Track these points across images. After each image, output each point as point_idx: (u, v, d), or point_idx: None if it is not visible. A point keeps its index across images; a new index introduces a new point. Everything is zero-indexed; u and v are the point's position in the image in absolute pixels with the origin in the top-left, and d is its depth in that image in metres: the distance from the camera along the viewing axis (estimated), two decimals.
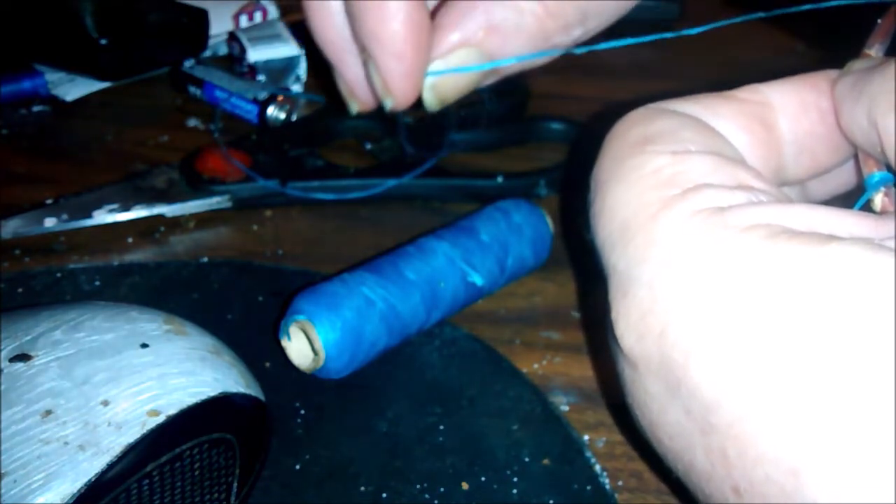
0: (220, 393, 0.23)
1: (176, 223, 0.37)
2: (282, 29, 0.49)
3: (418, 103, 0.29)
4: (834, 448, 0.15)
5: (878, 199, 0.20)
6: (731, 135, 0.22)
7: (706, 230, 0.18)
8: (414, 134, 0.43)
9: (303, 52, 0.48)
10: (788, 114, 0.22)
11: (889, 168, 0.21)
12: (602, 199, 0.21)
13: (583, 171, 0.23)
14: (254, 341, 0.30)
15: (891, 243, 0.17)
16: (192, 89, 0.46)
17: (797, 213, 0.18)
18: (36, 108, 0.45)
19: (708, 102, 0.22)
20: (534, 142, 0.44)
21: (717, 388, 0.17)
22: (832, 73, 0.23)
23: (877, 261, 0.16)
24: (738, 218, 0.18)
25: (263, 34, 0.48)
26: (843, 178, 0.25)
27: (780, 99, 0.23)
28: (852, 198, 0.21)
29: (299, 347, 0.29)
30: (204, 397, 0.23)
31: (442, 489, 0.27)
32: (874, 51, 0.23)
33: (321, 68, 0.29)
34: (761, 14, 0.24)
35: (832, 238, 0.17)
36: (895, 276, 0.15)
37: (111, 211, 0.37)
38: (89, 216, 0.36)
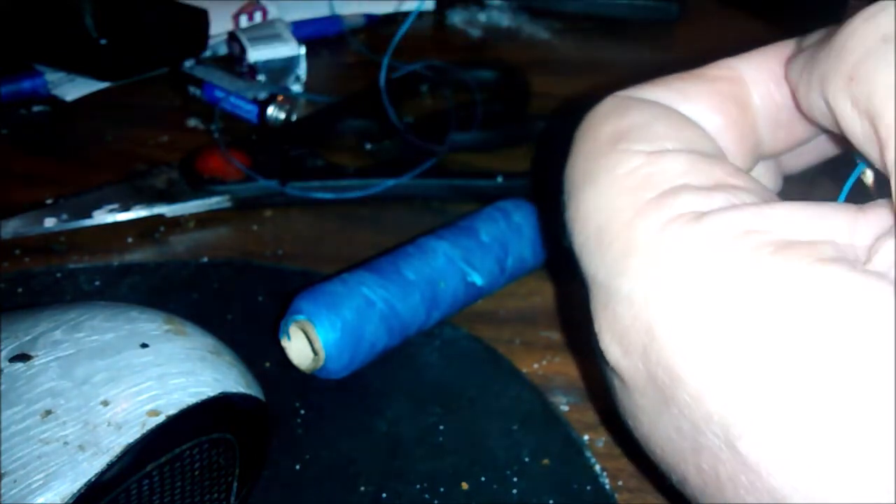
0: (220, 393, 0.23)
1: (176, 223, 0.37)
2: (282, 29, 0.49)
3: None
4: (825, 484, 0.15)
5: (870, 174, 0.19)
6: (705, 117, 0.21)
7: (685, 239, 0.17)
8: (414, 134, 0.43)
9: (303, 51, 0.48)
10: (761, 89, 0.22)
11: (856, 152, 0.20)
12: (576, 203, 0.20)
13: (552, 169, 0.22)
14: (254, 341, 0.30)
15: (877, 261, 0.16)
16: (192, 89, 0.46)
17: (778, 215, 0.17)
18: (36, 108, 0.45)
19: (678, 85, 0.22)
20: (534, 142, 0.44)
21: (704, 408, 0.16)
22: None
23: (862, 285, 0.15)
24: (718, 225, 0.17)
25: (263, 34, 0.48)
26: (818, 151, 0.24)
27: (751, 73, 0.22)
28: (838, 167, 0.21)
29: (299, 347, 0.29)
30: (204, 397, 0.23)
31: (442, 489, 0.27)
32: None
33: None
34: None
35: (818, 254, 0.16)
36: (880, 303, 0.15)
37: (111, 211, 0.37)
38: (89, 216, 0.36)
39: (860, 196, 0.19)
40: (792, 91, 0.21)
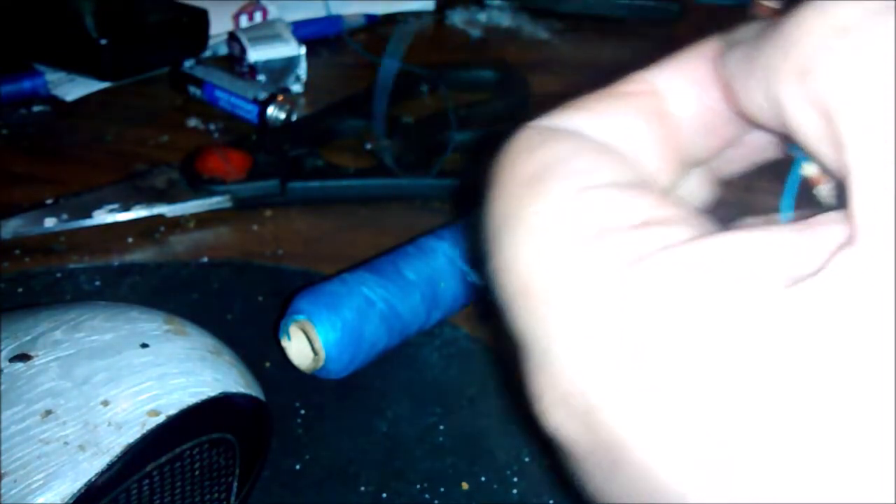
0: (220, 393, 0.23)
1: (176, 223, 0.37)
2: (282, 29, 0.49)
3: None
4: None
5: (812, 170, 0.18)
6: (625, 138, 0.19)
7: (618, 291, 0.15)
8: (414, 134, 0.43)
9: (303, 51, 0.48)
10: (680, 98, 0.20)
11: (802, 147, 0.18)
12: (497, 253, 0.18)
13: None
14: (254, 341, 0.30)
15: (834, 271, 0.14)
16: (192, 89, 0.46)
17: (718, 250, 0.15)
18: (36, 108, 0.45)
19: (595, 107, 0.20)
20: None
21: (658, 478, 0.15)
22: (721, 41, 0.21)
23: (827, 325, 0.14)
24: (653, 270, 0.15)
25: (263, 34, 0.48)
26: (754, 156, 0.23)
27: (668, 83, 0.20)
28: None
29: (299, 347, 0.29)
30: (204, 397, 0.23)
31: (442, 489, 0.27)
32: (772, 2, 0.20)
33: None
34: None
35: (767, 292, 0.14)
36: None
37: (111, 211, 0.37)
38: (89, 216, 0.36)
39: (800, 194, 0.19)
40: (724, 88, 0.19)
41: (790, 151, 0.18)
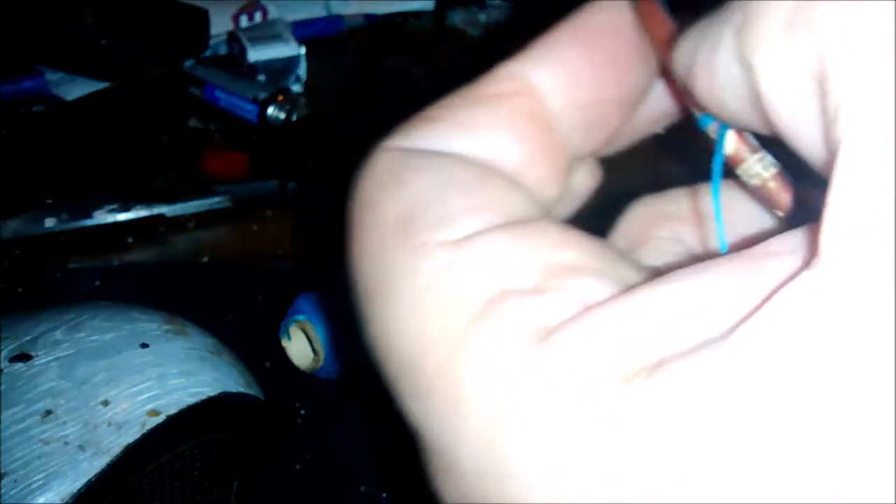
0: (220, 393, 0.23)
1: (176, 223, 0.37)
2: (282, 29, 0.49)
3: None
4: None
5: (732, 143, 0.16)
6: (501, 151, 0.17)
7: (530, 379, 0.13)
8: None
9: (303, 51, 0.48)
10: (559, 93, 0.17)
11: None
12: (375, 323, 0.15)
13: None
14: (254, 341, 0.30)
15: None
16: (192, 89, 0.46)
17: (644, 317, 0.13)
18: (36, 108, 0.45)
19: (460, 117, 0.17)
20: None
21: None
22: (600, 13, 0.18)
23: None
24: (571, 350, 0.13)
25: (263, 34, 0.48)
26: (637, 135, 0.20)
27: (542, 77, 0.17)
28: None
29: (299, 347, 0.29)
30: (204, 397, 0.23)
31: None
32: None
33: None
34: None
35: (700, 373, 0.11)
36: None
37: (111, 211, 0.37)
38: (89, 216, 0.36)
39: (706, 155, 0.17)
40: (682, 86, 0.16)
41: (701, 128, 0.17)
